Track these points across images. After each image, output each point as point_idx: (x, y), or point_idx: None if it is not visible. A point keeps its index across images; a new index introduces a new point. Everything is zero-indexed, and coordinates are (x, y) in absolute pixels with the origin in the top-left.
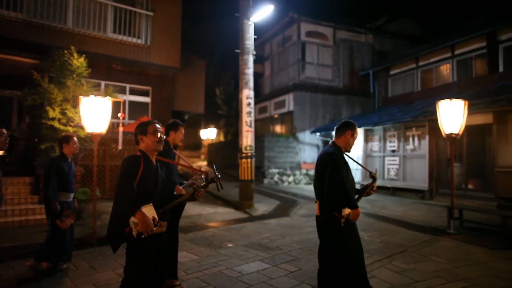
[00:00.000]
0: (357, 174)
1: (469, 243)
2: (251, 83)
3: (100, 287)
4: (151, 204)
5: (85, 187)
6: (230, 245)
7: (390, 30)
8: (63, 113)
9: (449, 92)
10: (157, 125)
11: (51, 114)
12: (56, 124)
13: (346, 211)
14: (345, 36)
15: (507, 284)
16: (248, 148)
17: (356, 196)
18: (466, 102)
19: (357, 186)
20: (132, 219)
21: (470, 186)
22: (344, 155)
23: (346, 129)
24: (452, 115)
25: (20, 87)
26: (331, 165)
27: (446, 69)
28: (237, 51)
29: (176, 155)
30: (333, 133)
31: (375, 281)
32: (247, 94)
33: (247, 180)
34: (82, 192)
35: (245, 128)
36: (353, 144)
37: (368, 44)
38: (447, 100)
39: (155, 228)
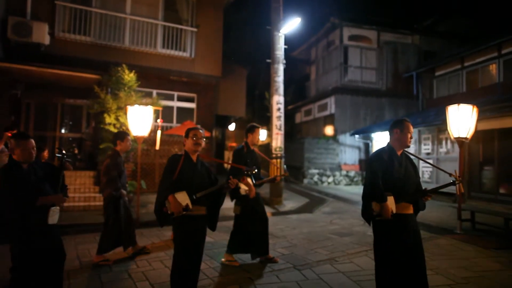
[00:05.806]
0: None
1: (466, 242)
2: (281, 90)
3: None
4: (185, 192)
5: (133, 181)
6: None
7: (439, 30)
8: (117, 119)
9: (493, 93)
10: (199, 132)
11: (108, 120)
12: (112, 129)
13: (375, 205)
14: (389, 38)
15: (470, 275)
16: (278, 149)
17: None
18: (475, 107)
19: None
20: (167, 202)
21: (501, 191)
22: (410, 154)
23: (393, 128)
24: (460, 120)
25: (88, 97)
26: (368, 161)
27: (492, 70)
28: (268, 61)
29: (256, 152)
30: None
31: (351, 265)
32: (277, 100)
33: None
34: (131, 185)
35: (275, 131)
36: (406, 140)
37: (414, 45)
38: (455, 105)
39: (184, 212)
